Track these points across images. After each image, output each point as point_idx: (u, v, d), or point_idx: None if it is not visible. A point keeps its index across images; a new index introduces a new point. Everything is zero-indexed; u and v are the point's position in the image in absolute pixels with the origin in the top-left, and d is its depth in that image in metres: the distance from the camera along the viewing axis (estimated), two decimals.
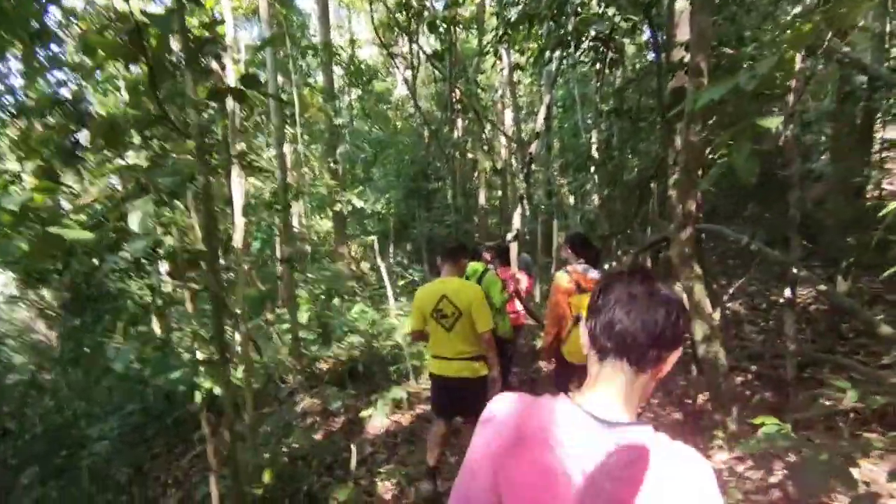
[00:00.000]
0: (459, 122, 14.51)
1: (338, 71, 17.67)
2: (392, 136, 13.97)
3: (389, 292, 5.16)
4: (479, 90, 15.61)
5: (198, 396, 2.69)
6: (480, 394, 3.41)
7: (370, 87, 15.69)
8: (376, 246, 5.13)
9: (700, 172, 3.56)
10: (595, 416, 0.93)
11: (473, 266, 4.61)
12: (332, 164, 15.07)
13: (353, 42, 18.19)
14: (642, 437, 0.91)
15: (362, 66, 15.65)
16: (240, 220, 3.61)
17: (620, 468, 0.87)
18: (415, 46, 15.66)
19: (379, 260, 5.20)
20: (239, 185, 3.67)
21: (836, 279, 4.74)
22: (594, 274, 3.60)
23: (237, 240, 3.57)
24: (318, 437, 5.37)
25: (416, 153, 13.96)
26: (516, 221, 4.99)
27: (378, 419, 5.54)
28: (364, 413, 5.55)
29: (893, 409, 3.18)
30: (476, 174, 18.76)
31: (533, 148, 8.10)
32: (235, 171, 3.66)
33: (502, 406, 1.03)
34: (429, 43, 17.71)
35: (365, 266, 18.37)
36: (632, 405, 0.96)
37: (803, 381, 3.90)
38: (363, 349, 5.94)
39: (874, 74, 3.89)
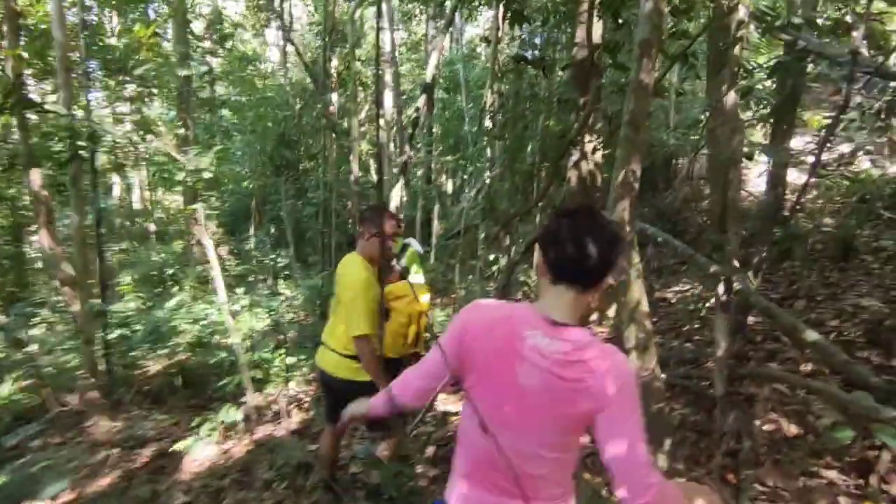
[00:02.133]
0: (335, 98, 12.91)
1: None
2: (257, 102, 11.87)
3: (219, 282, 3.65)
4: (358, 62, 14.10)
5: None
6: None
7: (229, 43, 13.42)
8: (201, 214, 3.54)
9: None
10: (547, 318, 1.16)
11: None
12: (181, 129, 12.72)
13: None
14: (582, 334, 1.15)
15: (224, 20, 13.31)
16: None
17: (563, 353, 1.13)
18: (286, 5, 13.71)
19: (204, 238, 3.66)
20: None
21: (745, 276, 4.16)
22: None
23: None
24: (103, 482, 3.71)
25: (286, 125, 12.08)
26: (395, 198, 3.78)
27: (201, 451, 4.02)
28: (181, 444, 3.98)
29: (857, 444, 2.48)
30: (352, 155, 17.24)
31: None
32: None
33: (478, 307, 1.27)
34: (305, 4, 15.76)
35: (224, 251, 15.95)
36: (576, 316, 1.17)
37: (731, 396, 3.16)
38: (189, 356, 4.36)
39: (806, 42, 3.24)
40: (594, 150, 5.08)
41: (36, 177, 6.89)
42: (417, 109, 3.78)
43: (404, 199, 14.28)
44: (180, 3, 11.32)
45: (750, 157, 3.75)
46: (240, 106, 11.83)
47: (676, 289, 6.57)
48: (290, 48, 15.26)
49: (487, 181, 5.58)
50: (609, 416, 1.10)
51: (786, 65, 3.23)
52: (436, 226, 10.03)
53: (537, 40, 6.36)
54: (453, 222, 12.09)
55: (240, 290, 6.47)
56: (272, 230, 12.75)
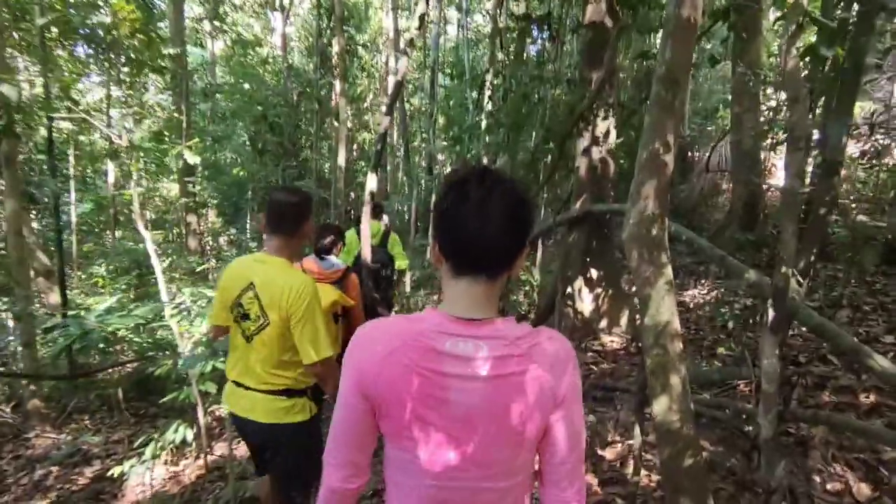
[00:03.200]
0: (337, 86, 12.25)
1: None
2: (256, 89, 11.21)
3: (161, 282, 3.02)
4: (360, 47, 13.44)
5: None
6: (298, 455, 2.05)
7: (224, 24, 12.79)
8: (136, 201, 2.89)
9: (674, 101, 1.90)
10: (461, 317, 0.89)
11: (376, 226, 3.94)
12: (176, 115, 12.14)
13: None
14: (509, 325, 0.91)
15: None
16: None
17: (496, 352, 0.88)
18: None
19: (140, 226, 3.02)
20: None
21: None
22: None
23: None
24: None
25: (268, 108, 11.44)
26: (372, 184, 3.13)
27: (142, 475, 3.43)
28: (125, 465, 3.38)
29: None
30: (354, 145, 16.59)
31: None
32: None
33: (370, 338, 0.92)
34: None
35: (221, 240, 15.39)
36: (493, 304, 0.92)
37: (778, 437, 2.50)
38: (140, 363, 3.77)
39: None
40: (607, 134, 4.39)
41: None
42: (385, 132, 3.11)
43: (406, 190, 13.63)
44: None
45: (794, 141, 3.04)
46: (232, 90, 11.18)
47: (693, 292, 5.89)
48: (290, 31, 14.61)
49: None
50: (563, 418, 0.91)
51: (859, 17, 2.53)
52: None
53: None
54: None
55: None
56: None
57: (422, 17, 3.71)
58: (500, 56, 6.53)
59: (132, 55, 10.13)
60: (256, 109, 8.13)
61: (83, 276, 7.75)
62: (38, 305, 7.75)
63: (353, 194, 14.23)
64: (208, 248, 14.42)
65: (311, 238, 2.21)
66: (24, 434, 4.00)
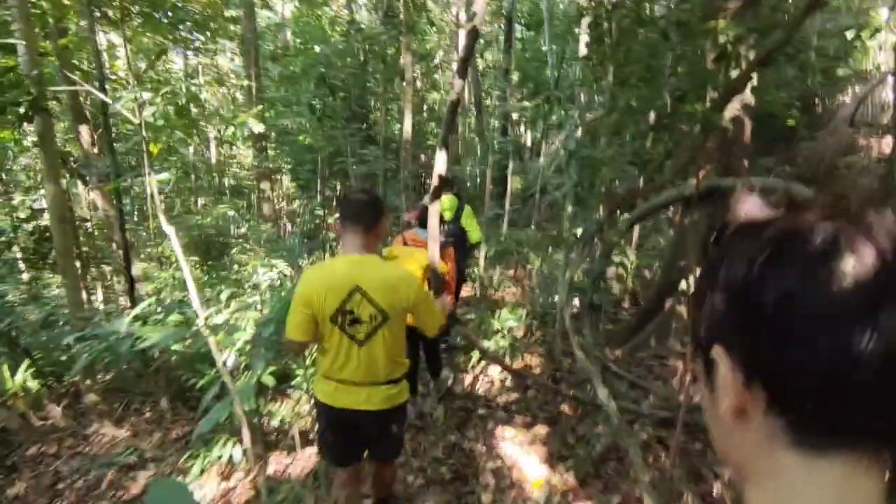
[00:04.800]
0: (404, 42, 11.36)
1: None
2: (319, 50, 10.59)
3: (191, 287, 2.46)
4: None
5: None
6: (400, 428, 2.28)
7: None
8: (154, 187, 2.30)
9: None
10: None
11: (450, 201, 4.14)
12: (245, 81, 11.85)
13: None
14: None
15: None
16: None
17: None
18: None
19: (163, 220, 2.42)
20: None
21: None
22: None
23: None
24: None
25: (351, 74, 10.80)
26: (440, 165, 2.39)
27: (198, 490, 3.05)
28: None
29: None
30: (423, 105, 15.74)
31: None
32: None
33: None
34: None
35: (295, 206, 15.29)
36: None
37: None
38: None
39: None
40: (743, 81, 3.27)
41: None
42: (456, 101, 2.37)
43: (477, 153, 12.72)
44: None
45: None
46: (296, 53, 10.64)
47: None
48: None
49: (577, 135, 3.96)
50: None
51: None
52: (510, 184, 8.47)
53: None
54: (531, 181, 10.45)
55: (278, 263, 5.46)
56: (338, 188, 11.77)
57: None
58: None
59: (199, 20, 9.76)
60: (318, 72, 7.51)
61: (159, 250, 7.67)
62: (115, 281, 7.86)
63: (423, 157, 13.52)
64: (283, 213, 14.42)
65: (385, 236, 2.38)
66: (83, 431, 3.77)
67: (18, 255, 6.88)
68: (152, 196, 2.47)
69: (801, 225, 0.37)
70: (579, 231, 3.91)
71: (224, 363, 2.73)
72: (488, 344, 4.03)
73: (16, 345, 3.83)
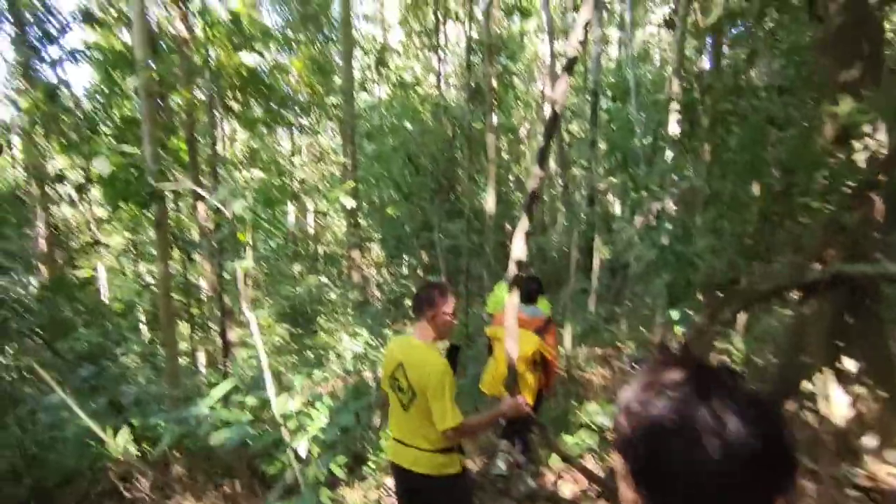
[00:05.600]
0: (494, 119, 11.70)
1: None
2: (416, 127, 11.18)
3: (268, 380, 2.42)
4: (514, 77, 12.79)
5: None
6: (455, 498, 2.35)
7: (387, 70, 13.14)
8: (240, 274, 2.35)
9: None
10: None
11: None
12: (342, 158, 12.72)
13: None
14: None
15: (385, 49, 13.10)
16: None
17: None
18: (442, 26, 12.99)
19: (245, 307, 2.46)
20: None
21: None
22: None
23: None
24: None
25: (439, 149, 11.25)
26: (518, 250, 2.25)
27: None
28: None
29: None
30: (509, 176, 15.92)
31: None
32: None
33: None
34: (458, 20, 14.99)
35: (385, 275, 15.74)
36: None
37: None
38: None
39: None
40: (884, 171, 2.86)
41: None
42: (535, 192, 2.28)
43: (564, 223, 12.42)
44: (346, 36, 11.27)
45: None
46: (386, 132, 11.32)
47: None
48: (444, 69, 14.61)
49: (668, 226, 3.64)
50: None
51: None
52: (596, 260, 8.08)
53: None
54: (619, 250, 9.96)
55: (363, 332, 5.47)
56: (424, 257, 11.98)
57: (585, 27, 2.76)
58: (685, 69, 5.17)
59: (304, 106, 10.71)
60: (406, 149, 7.85)
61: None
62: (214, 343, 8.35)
63: (508, 226, 13.50)
64: (372, 280, 14.88)
65: (451, 321, 2.31)
66: (166, 503, 3.84)
67: (142, 318, 7.53)
68: (239, 279, 2.56)
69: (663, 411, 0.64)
70: (679, 331, 3.53)
71: (295, 453, 2.66)
72: (572, 441, 3.65)
73: (119, 412, 4.07)
